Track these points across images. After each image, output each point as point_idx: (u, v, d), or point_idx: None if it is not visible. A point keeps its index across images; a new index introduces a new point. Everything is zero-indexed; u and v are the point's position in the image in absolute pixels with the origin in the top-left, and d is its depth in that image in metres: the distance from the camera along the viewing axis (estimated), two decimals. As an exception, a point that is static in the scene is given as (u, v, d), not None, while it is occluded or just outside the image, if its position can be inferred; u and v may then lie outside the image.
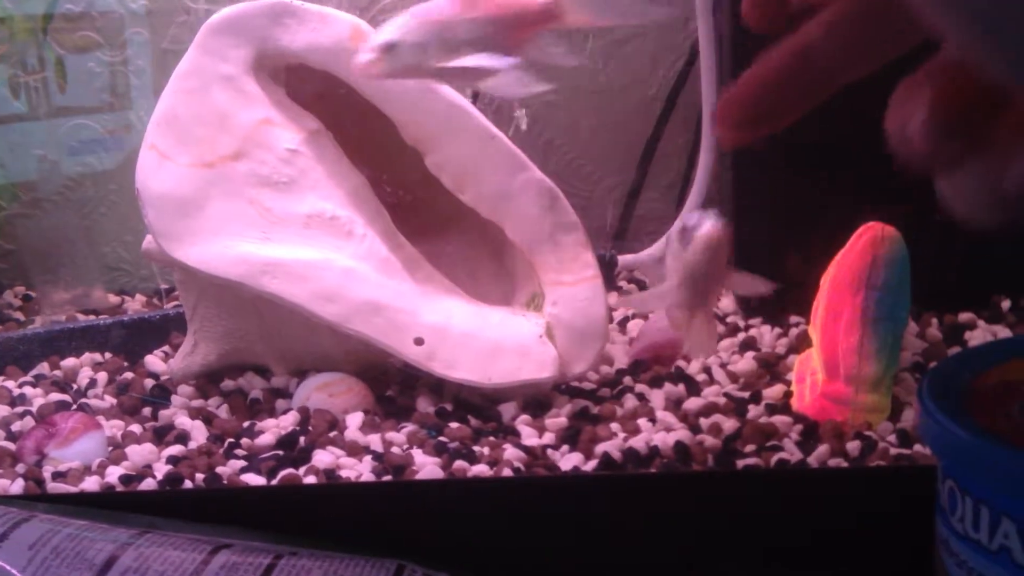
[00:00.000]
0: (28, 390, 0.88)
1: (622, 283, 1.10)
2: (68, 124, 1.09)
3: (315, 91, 0.85)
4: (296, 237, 0.80)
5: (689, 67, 1.11)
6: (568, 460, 0.71)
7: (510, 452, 0.71)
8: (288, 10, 0.80)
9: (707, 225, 0.66)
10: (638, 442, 0.72)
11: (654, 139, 1.15)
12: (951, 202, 0.31)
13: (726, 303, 1.00)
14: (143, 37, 1.07)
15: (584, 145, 1.16)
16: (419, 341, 0.79)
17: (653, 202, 1.17)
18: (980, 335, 0.89)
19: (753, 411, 0.77)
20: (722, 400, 0.80)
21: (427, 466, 0.69)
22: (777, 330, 0.93)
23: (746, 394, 0.81)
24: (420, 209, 0.93)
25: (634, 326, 0.96)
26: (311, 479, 0.69)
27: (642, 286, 1.09)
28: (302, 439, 0.74)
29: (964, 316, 0.92)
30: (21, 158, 1.10)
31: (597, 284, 0.82)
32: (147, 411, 0.83)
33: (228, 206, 0.79)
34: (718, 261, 0.67)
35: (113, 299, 1.11)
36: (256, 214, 0.79)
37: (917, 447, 0.70)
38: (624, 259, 1.11)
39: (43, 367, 0.92)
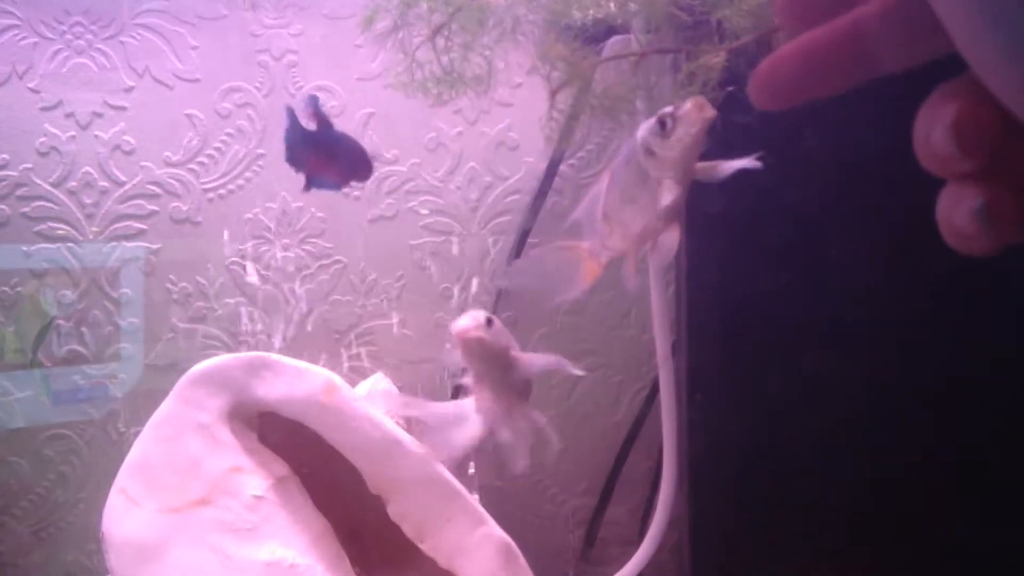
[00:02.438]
0: None
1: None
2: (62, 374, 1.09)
3: (287, 432, 0.88)
4: (255, 585, 0.80)
5: (653, 396, 1.16)
6: None
7: None
8: (265, 363, 0.84)
9: (689, 102, 0.57)
10: None
11: (618, 464, 1.17)
12: (939, 216, 0.31)
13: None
14: (137, 283, 1.09)
15: (549, 468, 1.18)
16: None
17: (617, 526, 1.18)
18: None
19: None
20: None
21: None
22: None
23: None
24: (384, 538, 0.93)
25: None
26: None
27: (603, 618, 1.08)
28: None
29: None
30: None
31: (552, 644, 0.82)
32: None
33: (189, 553, 0.80)
34: (699, 144, 0.58)
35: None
36: (216, 561, 0.80)
37: None
38: (586, 588, 1.10)
39: None
